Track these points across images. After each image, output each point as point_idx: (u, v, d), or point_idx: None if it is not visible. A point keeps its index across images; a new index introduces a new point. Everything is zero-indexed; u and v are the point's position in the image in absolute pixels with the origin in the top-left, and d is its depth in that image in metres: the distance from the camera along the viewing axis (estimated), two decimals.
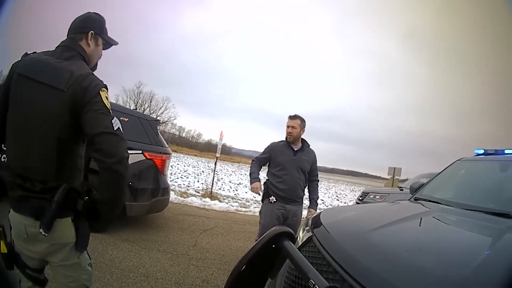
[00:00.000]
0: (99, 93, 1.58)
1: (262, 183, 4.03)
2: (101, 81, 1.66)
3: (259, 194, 4.03)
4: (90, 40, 1.77)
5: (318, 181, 4.35)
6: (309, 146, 4.17)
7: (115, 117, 1.60)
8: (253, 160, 4.23)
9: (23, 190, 1.57)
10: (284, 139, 4.12)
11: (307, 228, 2.39)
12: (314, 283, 0.78)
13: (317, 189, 4.32)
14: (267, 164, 4.16)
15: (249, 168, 4.19)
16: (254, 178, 3.99)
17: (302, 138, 4.12)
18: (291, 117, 4.06)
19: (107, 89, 1.66)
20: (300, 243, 2.27)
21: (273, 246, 0.88)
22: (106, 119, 1.55)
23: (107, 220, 1.67)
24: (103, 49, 1.91)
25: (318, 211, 3.40)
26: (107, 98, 1.62)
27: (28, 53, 1.67)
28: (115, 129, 1.56)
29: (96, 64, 1.90)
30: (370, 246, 1.81)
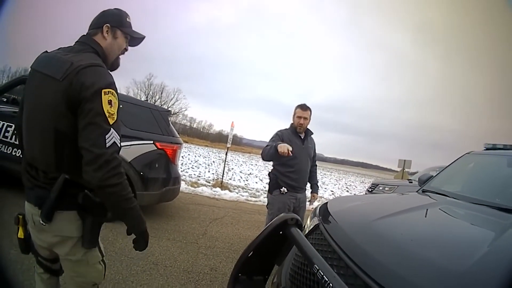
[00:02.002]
0: (100, 94, 1.46)
1: (266, 174, 3.99)
2: (105, 75, 1.55)
3: (289, 152, 3.42)
4: (106, 33, 1.70)
5: (317, 166, 4.43)
6: (312, 133, 4.17)
7: (112, 130, 1.47)
8: (266, 146, 3.75)
9: (31, 179, 1.60)
10: (288, 127, 4.08)
11: (314, 216, 2.42)
12: (318, 268, 0.82)
13: (316, 174, 4.40)
14: None
15: (266, 148, 3.73)
16: (278, 142, 3.59)
17: None
18: (303, 108, 3.99)
19: (113, 89, 1.53)
20: (307, 231, 2.32)
21: (280, 232, 0.92)
22: (95, 132, 1.44)
23: (137, 235, 1.70)
24: (132, 45, 1.87)
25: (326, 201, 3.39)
26: (110, 102, 1.49)
27: (48, 51, 1.66)
28: (107, 145, 1.44)
29: (118, 60, 1.82)
30: (375, 235, 1.84)
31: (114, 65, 1.81)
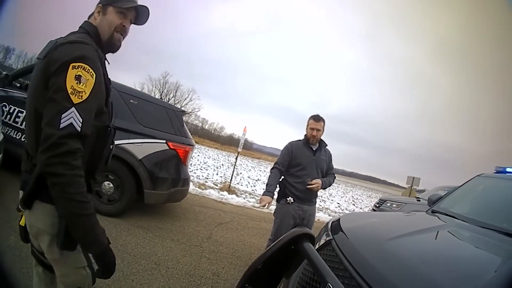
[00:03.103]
0: (66, 68, 1.34)
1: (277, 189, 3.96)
2: (81, 50, 1.41)
3: (264, 207, 3.80)
4: (98, 13, 1.64)
5: (334, 174, 4.29)
6: (326, 145, 4.12)
7: (73, 108, 1.32)
8: (274, 167, 4.02)
9: (23, 164, 1.58)
10: (301, 138, 4.07)
11: (327, 232, 2.43)
12: (331, 286, 0.80)
13: (331, 179, 4.22)
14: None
15: (269, 175, 4.01)
16: (268, 191, 3.80)
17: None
18: (316, 119, 3.96)
19: (88, 64, 1.39)
20: (317, 246, 2.31)
21: (292, 247, 0.90)
22: (52, 110, 1.32)
23: (93, 256, 1.48)
24: (138, 24, 1.78)
25: (334, 215, 3.36)
26: (78, 77, 1.35)
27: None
28: (61, 126, 1.29)
29: (113, 38, 1.66)
30: (387, 255, 1.86)
31: (110, 45, 1.68)
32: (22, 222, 1.64)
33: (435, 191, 8.84)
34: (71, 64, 1.34)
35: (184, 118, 5.99)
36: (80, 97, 1.34)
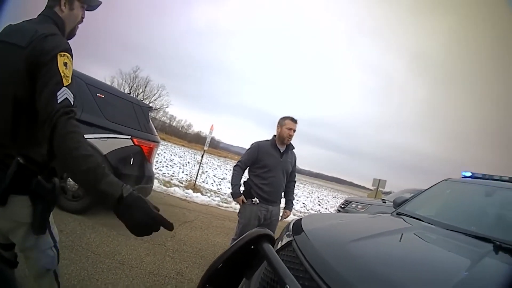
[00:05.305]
0: (56, 57, 1.49)
1: (242, 181, 4.03)
2: (64, 43, 1.57)
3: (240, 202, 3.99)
4: (64, 6, 1.73)
5: (295, 182, 4.38)
6: (293, 148, 4.14)
7: (64, 88, 1.47)
8: (236, 165, 4.08)
9: None
10: (269, 138, 4.07)
11: (288, 232, 2.37)
12: None
13: (293, 190, 4.36)
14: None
15: (232, 174, 4.07)
16: (236, 192, 3.95)
17: None
18: (294, 120, 3.99)
19: (69, 53, 1.56)
20: (279, 247, 2.28)
21: (252, 247, 0.89)
22: (49, 91, 1.44)
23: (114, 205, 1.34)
24: (89, 10, 1.88)
25: (299, 215, 3.37)
26: (65, 64, 1.52)
27: (12, 24, 1.65)
28: (59, 101, 1.42)
29: (75, 29, 1.84)
30: (348, 257, 1.82)
31: (71, 35, 1.83)
32: None
33: (401, 194, 9.04)
34: (59, 53, 1.50)
35: (151, 114, 5.89)
36: (67, 80, 1.50)
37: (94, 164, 1.35)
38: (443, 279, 1.63)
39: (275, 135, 4.04)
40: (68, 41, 1.72)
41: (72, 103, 1.47)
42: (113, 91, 5.78)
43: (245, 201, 3.90)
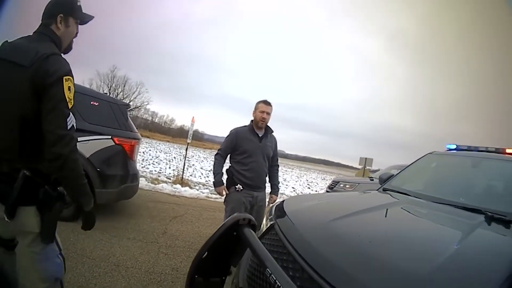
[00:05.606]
0: (62, 81, 1.60)
1: (224, 170, 4.01)
2: (65, 64, 1.68)
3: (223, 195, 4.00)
4: (60, 23, 1.80)
5: (278, 166, 4.35)
6: (272, 132, 4.11)
7: (70, 114, 1.64)
8: (217, 154, 4.06)
9: None
10: (247, 124, 4.05)
11: (270, 216, 2.35)
12: (270, 272, 0.78)
13: (278, 175, 4.34)
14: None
15: (214, 162, 4.06)
16: (218, 181, 3.95)
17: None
18: (266, 103, 3.97)
19: (71, 75, 1.67)
20: (263, 231, 2.25)
21: (234, 233, 0.87)
22: (59, 117, 1.60)
23: (82, 213, 1.85)
24: (81, 24, 1.95)
25: (286, 198, 3.37)
26: (69, 88, 1.64)
27: (9, 40, 1.72)
28: (68, 127, 1.61)
29: (71, 44, 1.93)
30: (331, 236, 1.81)
31: (67, 50, 1.93)
32: None
33: (388, 170, 9.12)
34: (64, 77, 1.61)
35: (130, 112, 5.81)
36: (71, 103, 1.64)
37: (85, 180, 1.73)
38: (433, 253, 1.59)
39: (252, 120, 4.02)
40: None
41: (76, 126, 1.68)
42: (88, 92, 5.66)
43: (226, 191, 3.92)
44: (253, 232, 0.88)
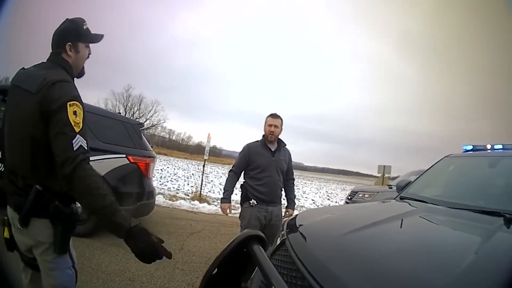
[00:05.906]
0: (66, 107, 1.63)
1: (239, 185, 4.03)
2: (71, 90, 1.72)
3: (226, 215, 4.10)
4: (70, 51, 1.86)
5: (294, 179, 4.32)
6: (285, 145, 4.09)
7: (78, 135, 1.63)
8: (231, 170, 4.10)
9: (11, 184, 1.75)
10: (259, 139, 4.06)
11: (283, 232, 2.29)
12: None
13: (293, 188, 4.30)
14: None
15: (226, 178, 4.12)
16: (224, 198, 3.99)
17: (278, 138, 4.02)
18: (274, 116, 3.96)
19: (78, 100, 1.70)
20: (275, 247, 2.19)
21: (245, 250, 0.86)
22: (64, 140, 1.60)
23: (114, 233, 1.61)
24: (93, 43, 1.99)
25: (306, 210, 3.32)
26: (75, 112, 1.67)
27: (25, 68, 1.82)
28: (75, 149, 1.60)
29: (83, 68, 1.98)
30: (343, 251, 1.73)
31: (81, 74, 1.98)
32: (6, 235, 1.83)
33: (407, 177, 8.96)
34: (68, 103, 1.64)
35: (145, 130, 5.89)
36: (79, 126, 1.65)
37: (110, 201, 1.58)
38: (451, 264, 1.49)
39: (263, 135, 4.02)
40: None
41: (86, 147, 1.65)
42: (102, 112, 5.83)
43: (230, 211, 4.08)
44: (262, 249, 0.87)
